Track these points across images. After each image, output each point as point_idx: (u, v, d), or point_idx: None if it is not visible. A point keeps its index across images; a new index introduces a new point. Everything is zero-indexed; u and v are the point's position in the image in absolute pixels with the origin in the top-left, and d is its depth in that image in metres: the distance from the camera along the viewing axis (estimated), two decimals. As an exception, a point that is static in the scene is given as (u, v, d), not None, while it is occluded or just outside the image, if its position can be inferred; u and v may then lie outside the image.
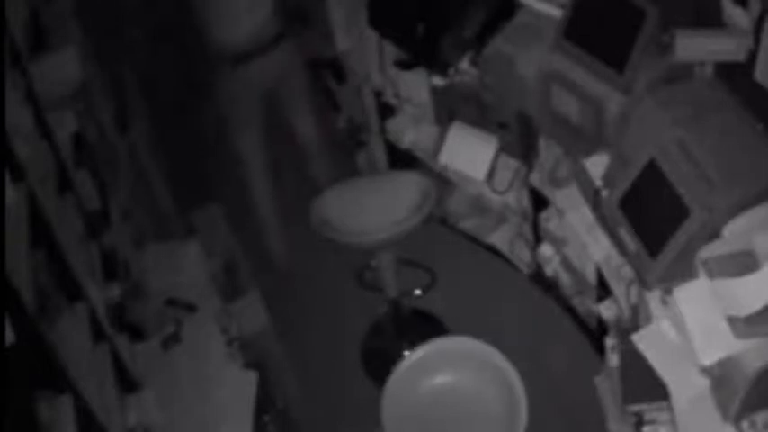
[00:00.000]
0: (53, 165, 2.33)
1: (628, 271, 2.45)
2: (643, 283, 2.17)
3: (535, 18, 2.73)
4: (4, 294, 1.52)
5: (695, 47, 2.15)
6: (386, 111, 3.70)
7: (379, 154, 3.84)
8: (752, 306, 1.75)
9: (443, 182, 3.45)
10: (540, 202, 3.10)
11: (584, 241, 2.74)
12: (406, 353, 2.86)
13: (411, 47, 3.14)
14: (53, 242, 2.05)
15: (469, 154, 3.22)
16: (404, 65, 3.33)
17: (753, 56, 2.05)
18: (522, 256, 3.49)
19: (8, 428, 1.41)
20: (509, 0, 2.82)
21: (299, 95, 3.61)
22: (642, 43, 2.24)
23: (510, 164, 3.20)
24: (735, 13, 2.10)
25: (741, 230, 1.91)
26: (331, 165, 3.79)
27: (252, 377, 2.66)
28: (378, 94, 3.65)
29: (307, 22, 3.58)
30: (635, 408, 2.24)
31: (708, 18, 2.18)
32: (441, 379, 2.78)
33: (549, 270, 3.21)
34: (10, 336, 1.44)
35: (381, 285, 3.24)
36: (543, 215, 3.09)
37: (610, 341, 2.46)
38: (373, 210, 2.96)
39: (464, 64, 3.00)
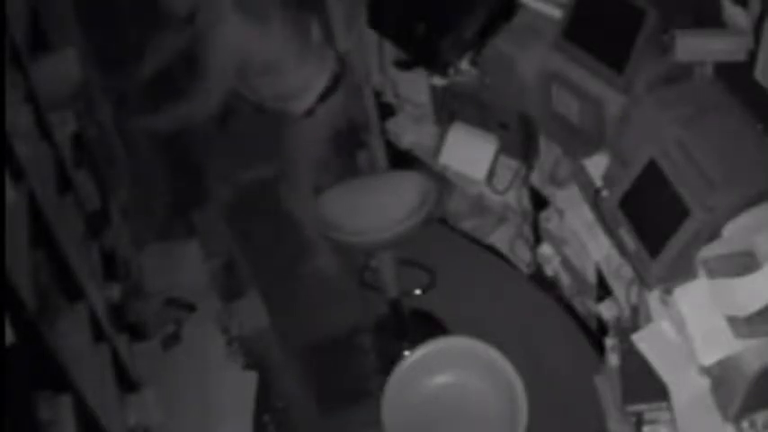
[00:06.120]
0: (53, 165, 2.33)
1: (628, 271, 2.45)
2: (643, 283, 2.17)
3: (535, 18, 2.73)
4: (4, 294, 1.52)
5: (695, 47, 2.15)
6: (386, 111, 3.70)
7: (380, 154, 3.84)
8: (752, 306, 1.75)
9: (443, 182, 3.45)
10: (540, 202, 3.10)
11: (584, 241, 2.73)
12: (406, 353, 2.86)
13: (411, 47, 3.14)
14: (53, 242, 2.05)
15: (469, 154, 3.22)
16: (404, 65, 3.32)
17: (753, 56, 2.05)
18: (522, 256, 3.49)
19: (8, 428, 1.41)
20: (509, 0, 2.82)
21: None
22: (642, 43, 2.24)
23: (510, 164, 3.20)
24: (735, 13, 2.10)
25: (741, 230, 1.91)
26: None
27: (252, 377, 2.67)
28: (378, 94, 3.65)
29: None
30: (635, 408, 2.24)
31: (708, 18, 2.18)
32: (441, 379, 2.78)
33: (549, 270, 3.21)
34: (10, 336, 1.44)
35: (381, 285, 3.24)
36: (543, 215, 3.09)
37: (610, 341, 2.46)
38: (373, 210, 2.96)
39: (464, 64, 3.00)
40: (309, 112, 3.17)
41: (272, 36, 3.01)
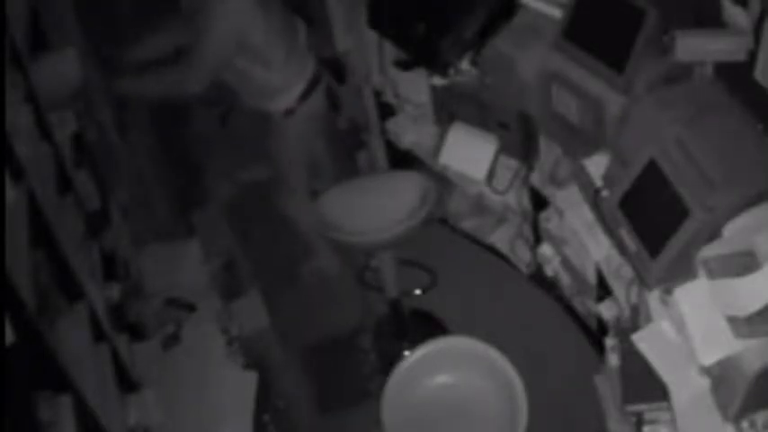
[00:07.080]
0: (53, 165, 2.33)
1: (628, 271, 2.45)
2: (643, 283, 2.17)
3: (535, 18, 2.73)
4: (4, 294, 1.52)
5: (695, 47, 2.15)
6: (386, 111, 3.70)
7: (380, 154, 3.84)
8: (752, 306, 1.75)
9: (443, 182, 3.45)
10: (540, 202, 3.10)
11: (584, 241, 2.74)
12: (406, 353, 2.86)
13: (411, 47, 3.14)
14: (53, 242, 2.05)
15: (469, 154, 3.22)
16: (404, 65, 3.32)
17: (753, 56, 2.05)
18: (522, 256, 3.49)
19: (8, 428, 1.41)
20: (509, 0, 2.82)
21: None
22: (642, 43, 2.24)
23: (510, 164, 3.20)
24: (735, 13, 2.10)
25: (741, 230, 1.91)
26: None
27: (252, 377, 2.67)
28: (378, 94, 3.65)
29: (307, 22, 3.57)
30: (635, 408, 2.24)
31: (708, 18, 2.18)
32: (441, 379, 2.78)
33: (549, 270, 3.21)
34: (10, 336, 1.44)
35: (381, 285, 3.24)
36: (543, 215, 3.09)
37: (610, 341, 2.46)
38: (373, 210, 2.96)
39: (464, 64, 3.00)
40: (289, 112, 3.17)
41: (271, 22, 3.00)
